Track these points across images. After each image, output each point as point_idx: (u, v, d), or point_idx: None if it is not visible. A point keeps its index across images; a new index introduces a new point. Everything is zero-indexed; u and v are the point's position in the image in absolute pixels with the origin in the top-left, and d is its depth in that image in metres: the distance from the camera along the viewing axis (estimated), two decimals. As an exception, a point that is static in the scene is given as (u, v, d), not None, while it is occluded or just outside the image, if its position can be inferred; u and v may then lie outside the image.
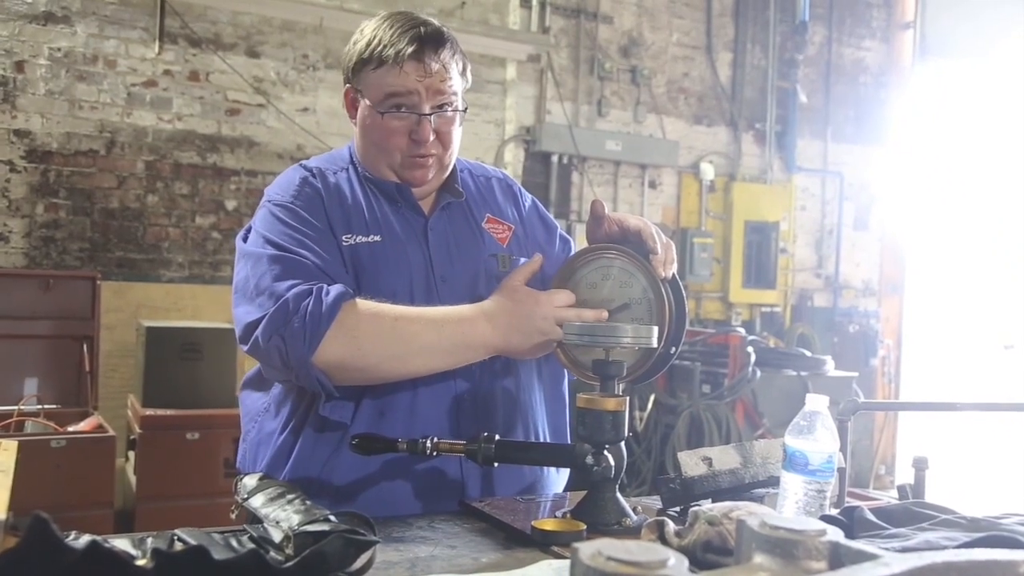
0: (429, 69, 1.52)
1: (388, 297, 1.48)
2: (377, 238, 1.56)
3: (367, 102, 1.57)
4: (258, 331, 1.41)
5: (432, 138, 1.55)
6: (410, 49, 1.51)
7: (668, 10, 6.46)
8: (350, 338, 1.39)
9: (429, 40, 1.53)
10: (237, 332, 1.47)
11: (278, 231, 1.52)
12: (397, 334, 1.42)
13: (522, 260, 1.64)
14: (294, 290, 1.41)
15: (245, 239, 1.58)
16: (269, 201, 1.58)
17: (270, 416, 1.60)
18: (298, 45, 5.22)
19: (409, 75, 1.52)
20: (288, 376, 1.45)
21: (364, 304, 1.43)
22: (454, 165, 1.68)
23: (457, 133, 1.61)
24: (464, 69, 1.61)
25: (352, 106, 1.63)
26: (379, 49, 1.53)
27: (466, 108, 1.62)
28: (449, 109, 1.57)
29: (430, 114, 1.54)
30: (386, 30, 1.54)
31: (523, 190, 1.83)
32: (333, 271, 1.49)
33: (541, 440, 1.66)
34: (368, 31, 1.57)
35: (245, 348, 1.46)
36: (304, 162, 1.68)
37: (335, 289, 1.41)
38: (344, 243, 1.54)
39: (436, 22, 1.58)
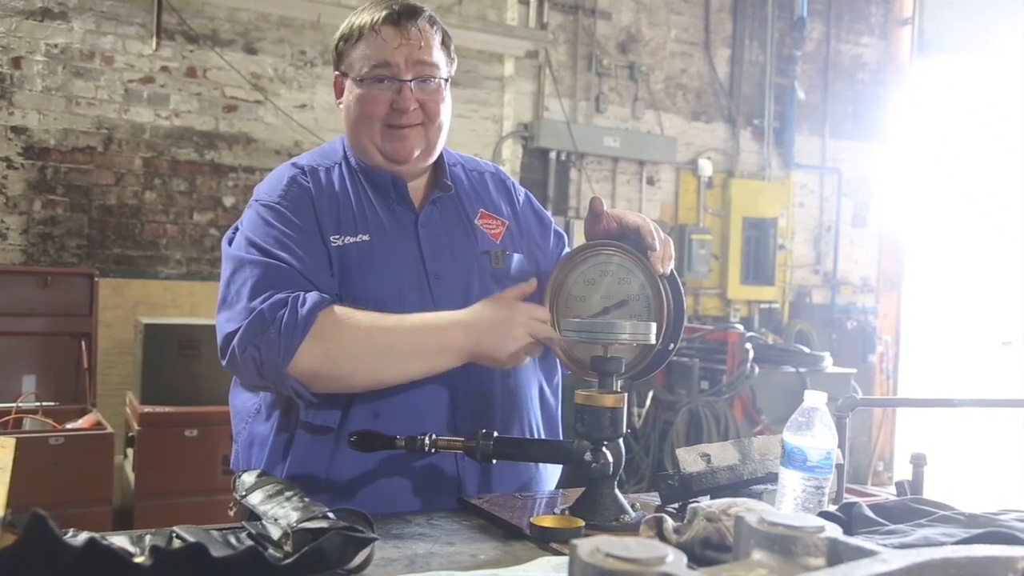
0: (407, 33, 1.54)
1: (377, 297, 1.48)
2: (366, 237, 1.55)
3: (350, 78, 1.58)
4: (234, 342, 1.42)
5: (414, 107, 1.55)
6: (384, 14, 1.54)
7: (666, 6, 6.45)
8: (325, 348, 1.40)
9: (405, 8, 1.56)
10: (218, 343, 1.47)
11: (262, 233, 1.52)
12: (372, 343, 1.43)
13: (516, 256, 1.64)
14: (270, 300, 1.41)
15: (231, 241, 1.57)
16: (256, 200, 1.58)
17: (261, 418, 1.59)
18: (296, 41, 5.21)
19: (387, 42, 1.53)
20: (264, 385, 1.46)
21: (340, 312, 1.43)
22: (443, 158, 1.68)
23: (444, 107, 1.60)
24: (447, 44, 1.61)
25: (340, 91, 1.64)
26: (357, 23, 1.57)
27: (448, 79, 1.61)
28: (432, 80, 1.57)
29: (410, 80, 1.54)
30: (366, 8, 1.59)
31: (517, 184, 1.82)
32: (315, 275, 1.49)
33: (536, 436, 1.66)
34: (349, 16, 1.61)
35: (224, 362, 1.46)
36: (296, 159, 1.67)
37: (311, 298, 1.41)
38: (333, 244, 1.53)
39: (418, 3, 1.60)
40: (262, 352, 1.39)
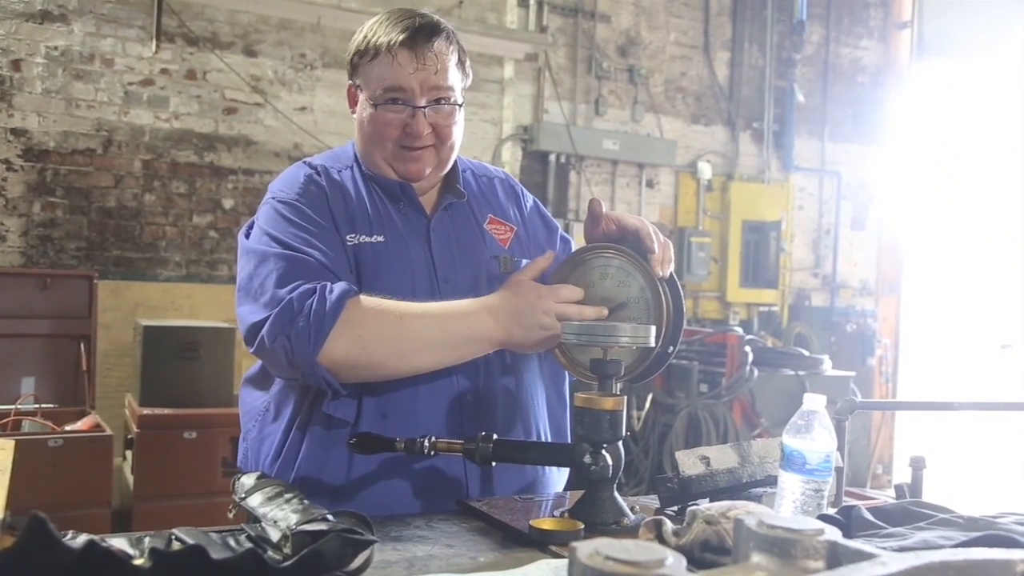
0: (423, 58, 1.52)
1: (388, 298, 1.48)
2: (380, 238, 1.56)
3: (364, 95, 1.58)
4: (263, 331, 1.41)
5: (427, 131, 1.55)
6: (402, 37, 1.52)
7: (666, 9, 6.46)
8: (355, 336, 1.39)
9: (422, 30, 1.54)
10: (242, 332, 1.47)
11: (283, 228, 1.51)
12: (402, 331, 1.42)
13: (524, 261, 1.64)
14: (298, 290, 1.41)
15: (247, 235, 1.57)
16: (273, 198, 1.58)
17: (270, 417, 1.59)
18: (295, 44, 5.21)
19: (403, 67, 1.52)
20: (294, 375, 1.45)
21: (368, 301, 1.42)
22: (456, 165, 1.68)
23: (456, 128, 1.60)
24: (462, 62, 1.61)
25: (353, 101, 1.63)
26: (374, 40, 1.55)
27: (461, 104, 1.60)
28: (445, 103, 1.56)
29: (424, 107, 1.54)
30: (382, 23, 1.57)
31: (524, 190, 1.83)
32: (338, 268, 1.49)
33: (542, 440, 1.66)
34: (367, 26, 1.59)
35: (251, 349, 1.46)
36: (308, 159, 1.67)
37: (339, 287, 1.41)
38: (348, 242, 1.54)
39: (435, 16, 1.59)
40: (292, 341, 1.38)
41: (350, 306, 1.40)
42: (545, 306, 1.44)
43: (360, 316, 1.40)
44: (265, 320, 1.41)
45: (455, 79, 1.58)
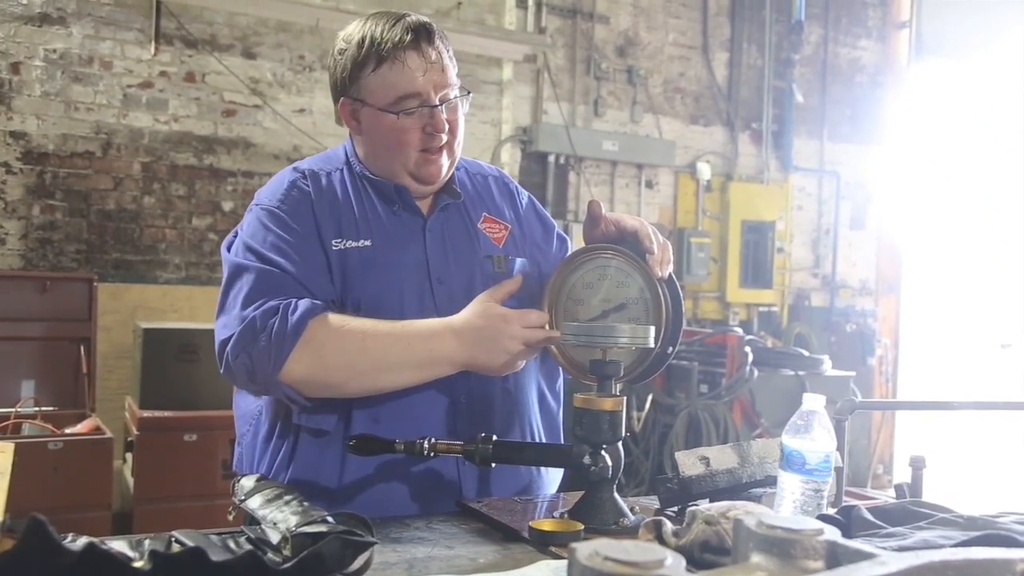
0: (428, 57, 1.52)
1: (377, 301, 1.48)
2: (367, 243, 1.55)
3: (373, 107, 1.55)
4: (228, 350, 1.43)
5: (446, 127, 1.56)
6: (408, 38, 1.51)
7: (664, 10, 6.46)
8: (316, 356, 1.40)
9: (421, 29, 1.53)
10: (215, 349, 1.48)
11: (260, 238, 1.52)
12: (364, 351, 1.42)
13: (518, 260, 1.64)
14: (263, 308, 1.42)
15: (229, 247, 1.57)
16: (257, 204, 1.59)
17: (264, 420, 1.60)
18: (294, 46, 5.21)
19: (413, 71, 1.51)
20: (258, 391, 1.46)
21: (332, 320, 1.43)
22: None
23: (463, 120, 1.61)
24: (451, 54, 1.61)
25: (352, 117, 1.60)
26: (374, 48, 1.52)
27: (469, 92, 1.61)
28: (456, 97, 1.57)
29: (440, 104, 1.54)
30: (373, 28, 1.53)
31: (520, 188, 1.82)
32: (310, 280, 1.49)
33: (536, 440, 1.66)
34: (355, 36, 1.55)
35: (220, 370, 1.47)
36: (297, 163, 1.67)
37: (302, 305, 1.42)
38: (333, 247, 1.53)
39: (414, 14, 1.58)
40: (253, 360, 1.40)
41: (312, 326, 1.40)
42: (512, 331, 1.43)
43: (323, 336, 1.41)
44: (230, 338, 1.42)
45: (454, 73, 1.58)
